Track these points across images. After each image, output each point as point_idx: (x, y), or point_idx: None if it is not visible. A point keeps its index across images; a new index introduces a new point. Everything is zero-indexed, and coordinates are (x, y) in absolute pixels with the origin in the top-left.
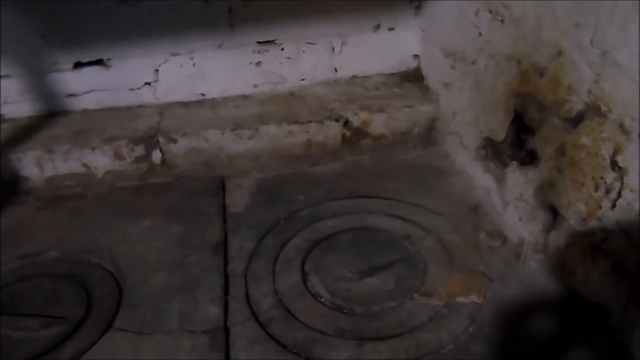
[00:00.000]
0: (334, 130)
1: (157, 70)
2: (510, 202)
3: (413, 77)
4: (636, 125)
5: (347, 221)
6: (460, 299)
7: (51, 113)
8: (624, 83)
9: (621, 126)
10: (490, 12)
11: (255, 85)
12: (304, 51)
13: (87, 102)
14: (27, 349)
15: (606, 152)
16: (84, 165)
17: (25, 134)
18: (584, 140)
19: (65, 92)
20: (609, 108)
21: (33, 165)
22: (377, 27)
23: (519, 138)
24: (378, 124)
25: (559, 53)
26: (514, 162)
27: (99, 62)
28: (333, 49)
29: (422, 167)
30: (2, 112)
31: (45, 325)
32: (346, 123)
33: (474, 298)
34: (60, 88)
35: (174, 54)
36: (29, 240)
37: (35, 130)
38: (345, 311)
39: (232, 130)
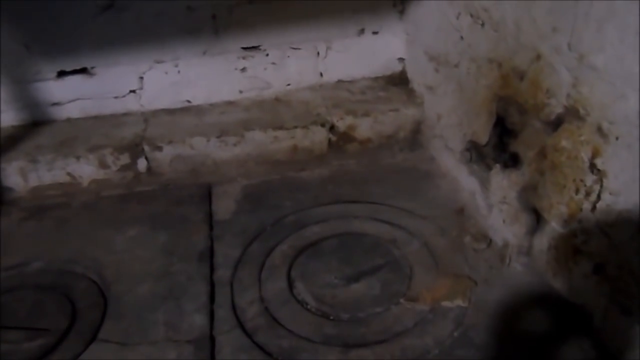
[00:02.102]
0: (319, 135)
1: (141, 78)
2: (495, 205)
3: (398, 81)
4: (614, 129)
5: (333, 227)
6: (445, 304)
7: (35, 122)
8: (601, 87)
9: (599, 129)
10: (471, 15)
11: (240, 91)
12: (289, 56)
13: (72, 111)
14: None
15: (585, 155)
16: (69, 174)
17: (9, 144)
18: (564, 143)
19: (49, 101)
20: (587, 111)
21: (17, 175)
22: (362, 31)
23: (502, 141)
24: (364, 128)
25: (538, 57)
26: (498, 165)
27: (82, 71)
28: (318, 53)
29: (408, 170)
30: None
31: (30, 338)
32: (332, 128)
33: (459, 302)
34: (44, 97)
35: (159, 61)
36: (13, 251)
37: (19, 139)
38: (331, 317)
39: (218, 137)
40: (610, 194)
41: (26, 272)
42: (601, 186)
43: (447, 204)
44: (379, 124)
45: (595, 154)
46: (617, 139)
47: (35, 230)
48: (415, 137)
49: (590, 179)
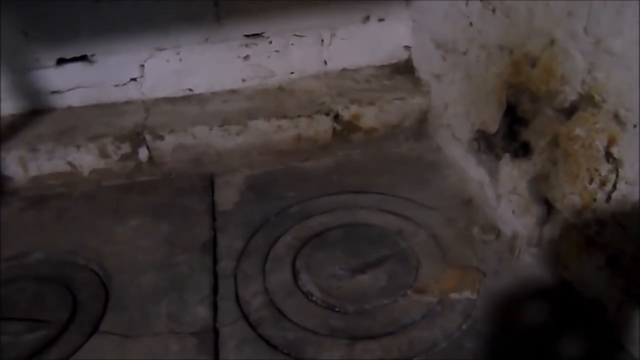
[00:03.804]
0: (324, 125)
1: (142, 66)
2: (504, 195)
3: (404, 69)
4: (631, 116)
5: (338, 217)
6: (453, 295)
7: (35, 111)
8: (618, 72)
9: (616, 117)
10: (481, 1)
11: (243, 80)
12: (292, 44)
13: (72, 99)
14: (11, 353)
15: (600, 143)
16: (69, 164)
17: (8, 133)
18: (578, 131)
19: (49, 89)
20: (603, 98)
21: (17, 164)
22: (367, 18)
23: (512, 130)
24: (369, 117)
25: (552, 42)
26: (507, 155)
27: (82, 58)
28: (322, 41)
29: (414, 160)
30: None
31: (30, 329)
32: (336, 117)
33: (467, 294)
34: (43, 85)
35: (160, 49)
36: (13, 241)
37: (19, 128)
38: (337, 309)
39: (221, 126)
40: (627, 183)
41: (26, 262)
42: (617, 175)
43: (455, 194)
44: (384, 113)
45: (611, 142)
46: (634, 126)
47: (35, 220)
48: (421, 127)
49: (605, 168)
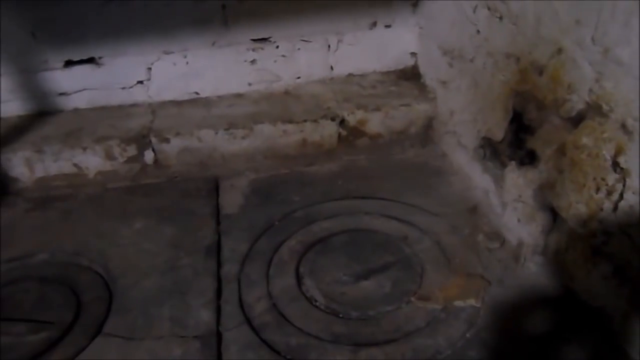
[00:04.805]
0: (329, 130)
1: (149, 69)
2: (509, 203)
3: (410, 75)
4: (639, 126)
5: (342, 222)
6: (458, 303)
7: (41, 112)
8: (626, 82)
9: (623, 126)
10: (489, 9)
11: (249, 84)
12: (299, 49)
13: (79, 101)
14: (14, 354)
15: (608, 152)
16: (75, 165)
17: (15, 134)
18: (585, 140)
19: (56, 91)
20: (610, 108)
21: (23, 165)
22: (374, 24)
23: (518, 138)
24: (374, 123)
25: (559, 51)
26: (513, 162)
27: (90, 61)
28: (329, 46)
29: (419, 166)
30: None
31: (33, 331)
32: (342, 122)
33: (472, 302)
34: (50, 87)
35: (167, 52)
36: (18, 242)
37: (25, 130)
38: (341, 315)
39: (226, 129)
40: (634, 193)
41: (31, 263)
42: (624, 185)
43: (460, 201)
44: (389, 119)
45: (618, 151)
46: None
47: (40, 221)
48: (426, 133)
49: (612, 177)
